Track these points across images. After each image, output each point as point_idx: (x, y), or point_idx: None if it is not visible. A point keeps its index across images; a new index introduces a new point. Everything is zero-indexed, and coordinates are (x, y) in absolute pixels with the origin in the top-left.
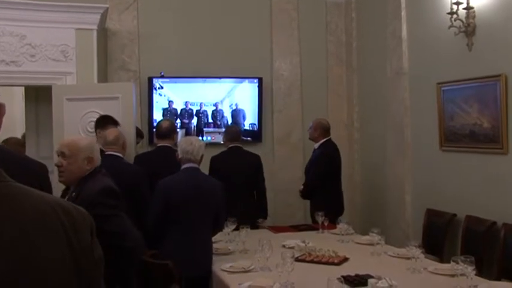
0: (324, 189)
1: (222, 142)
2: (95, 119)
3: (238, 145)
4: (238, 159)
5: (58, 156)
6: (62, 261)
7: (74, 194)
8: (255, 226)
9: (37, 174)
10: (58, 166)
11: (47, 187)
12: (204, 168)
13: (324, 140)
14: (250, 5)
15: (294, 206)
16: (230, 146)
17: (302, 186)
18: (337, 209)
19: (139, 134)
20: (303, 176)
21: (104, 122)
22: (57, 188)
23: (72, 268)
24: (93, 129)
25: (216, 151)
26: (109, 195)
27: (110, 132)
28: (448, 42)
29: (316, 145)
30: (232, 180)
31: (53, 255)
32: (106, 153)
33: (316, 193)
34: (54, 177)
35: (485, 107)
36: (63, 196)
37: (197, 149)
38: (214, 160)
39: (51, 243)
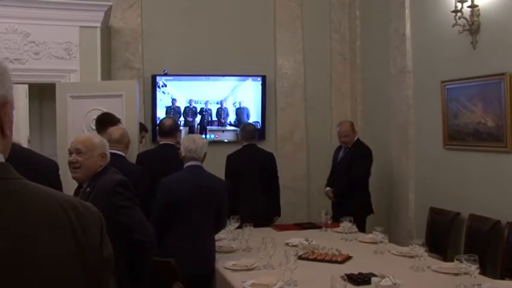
0: (362, 187)
1: (237, 140)
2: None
3: (253, 143)
4: (253, 157)
5: (71, 153)
6: (68, 259)
7: (88, 189)
8: (269, 225)
9: (46, 172)
10: (73, 163)
11: (56, 185)
12: (210, 166)
13: (357, 137)
14: (254, 2)
15: (297, 204)
16: (245, 144)
17: (328, 188)
18: (371, 206)
19: (143, 128)
20: (307, 175)
21: (111, 119)
22: (69, 185)
23: (80, 266)
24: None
25: (220, 149)
26: (126, 188)
27: (116, 130)
28: (452, 41)
29: (350, 144)
30: (247, 178)
31: (60, 253)
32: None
33: (355, 191)
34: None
35: (489, 106)
36: (75, 194)
37: (200, 147)
38: (230, 158)
39: (58, 241)
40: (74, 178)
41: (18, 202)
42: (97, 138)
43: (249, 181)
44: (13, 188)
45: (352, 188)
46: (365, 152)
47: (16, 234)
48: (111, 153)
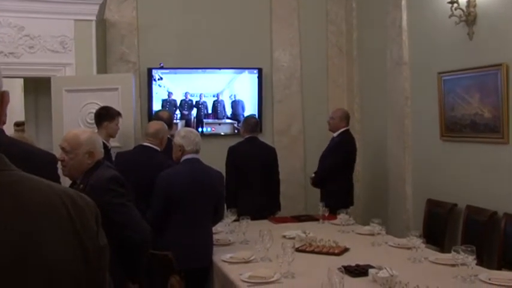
0: (339, 179)
1: (234, 132)
2: (94, 110)
3: (255, 136)
4: (255, 150)
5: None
6: (69, 251)
7: (81, 186)
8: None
9: (41, 165)
10: (61, 161)
11: (53, 178)
12: (206, 159)
13: (344, 129)
14: None
15: (294, 197)
16: (247, 136)
17: (313, 174)
18: (348, 199)
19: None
20: (304, 167)
21: (109, 113)
22: (64, 180)
23: (80, 257)
24: (93, 121)
25: (216, 142)
26: (118, 184)
27: (152, 125)
28: (448, 32)
29: (336, 134)
30: (248, 171)
31: (61, 246)
32: (143, 144)
33: (330, 182)
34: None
35: (486, 97)
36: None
37: (199, 140)
38: (232, 150)
39: (58, 233)
40: (63, 175)
41: (14, 194)
42: (85, 134)
43: (250, 174)
44: (8, 180)
45: (323, 178)
46: (340, 144)
47: (19, 227)
48: (144, 145)
